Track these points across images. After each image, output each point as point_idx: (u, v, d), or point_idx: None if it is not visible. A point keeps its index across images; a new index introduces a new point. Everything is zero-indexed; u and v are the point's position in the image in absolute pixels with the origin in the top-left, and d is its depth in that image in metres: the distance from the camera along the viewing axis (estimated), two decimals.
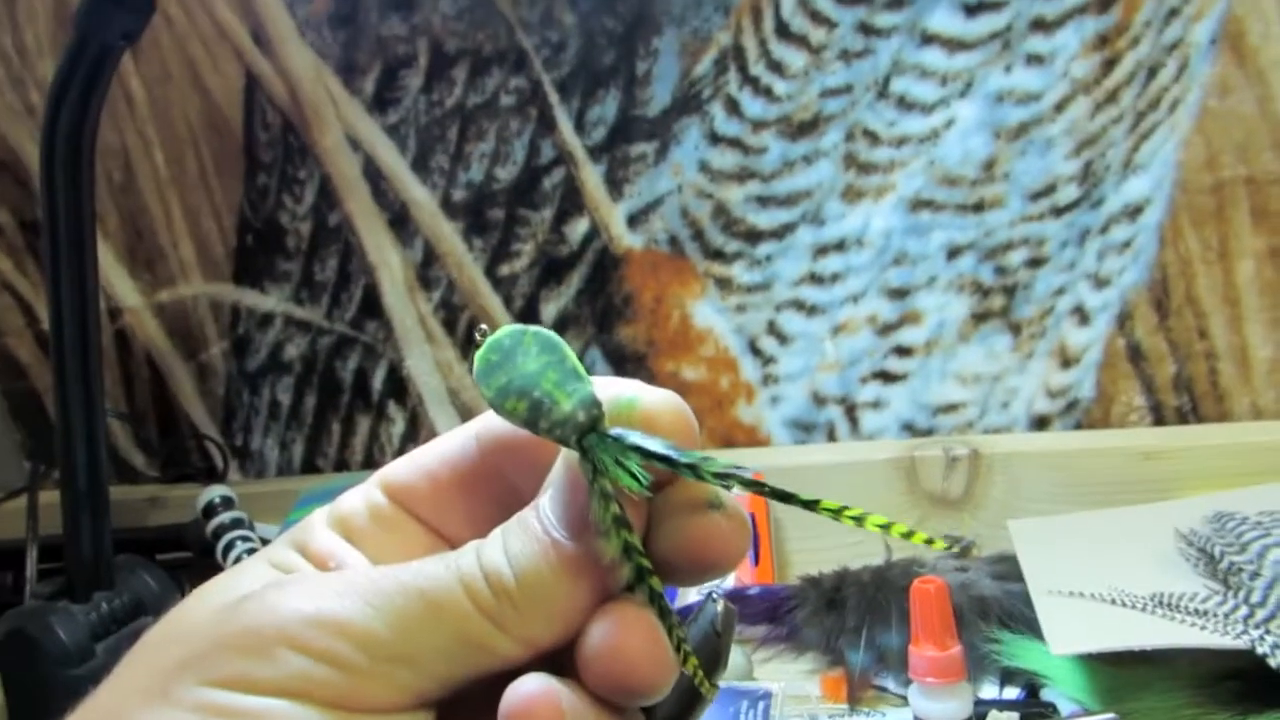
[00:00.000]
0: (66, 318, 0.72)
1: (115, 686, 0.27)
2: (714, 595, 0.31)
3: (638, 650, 0.25)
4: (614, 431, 0.26)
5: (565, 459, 0.27)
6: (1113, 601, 0.63)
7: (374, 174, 0.96)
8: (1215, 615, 0.60)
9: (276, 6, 0.94)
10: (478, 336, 0.27)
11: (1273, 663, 0.55)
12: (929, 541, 0.27)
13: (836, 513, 0.26)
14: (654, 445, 0.25)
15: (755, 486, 0.25)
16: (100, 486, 0.75)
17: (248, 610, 0.26)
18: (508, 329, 0.27)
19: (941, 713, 0.58)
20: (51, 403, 1.05)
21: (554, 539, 0.26)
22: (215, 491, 0.92)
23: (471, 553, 0.26)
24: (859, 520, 0.25)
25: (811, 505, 0.26)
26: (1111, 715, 0.60)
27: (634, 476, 0.25)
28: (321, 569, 0.29)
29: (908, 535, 0.26)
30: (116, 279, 1.02)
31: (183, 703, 0.24)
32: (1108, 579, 0.65)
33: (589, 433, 0.26)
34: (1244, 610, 0.60)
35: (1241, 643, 0.57)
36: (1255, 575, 0.62)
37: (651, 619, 0.25)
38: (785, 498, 0.26)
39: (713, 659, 0.30)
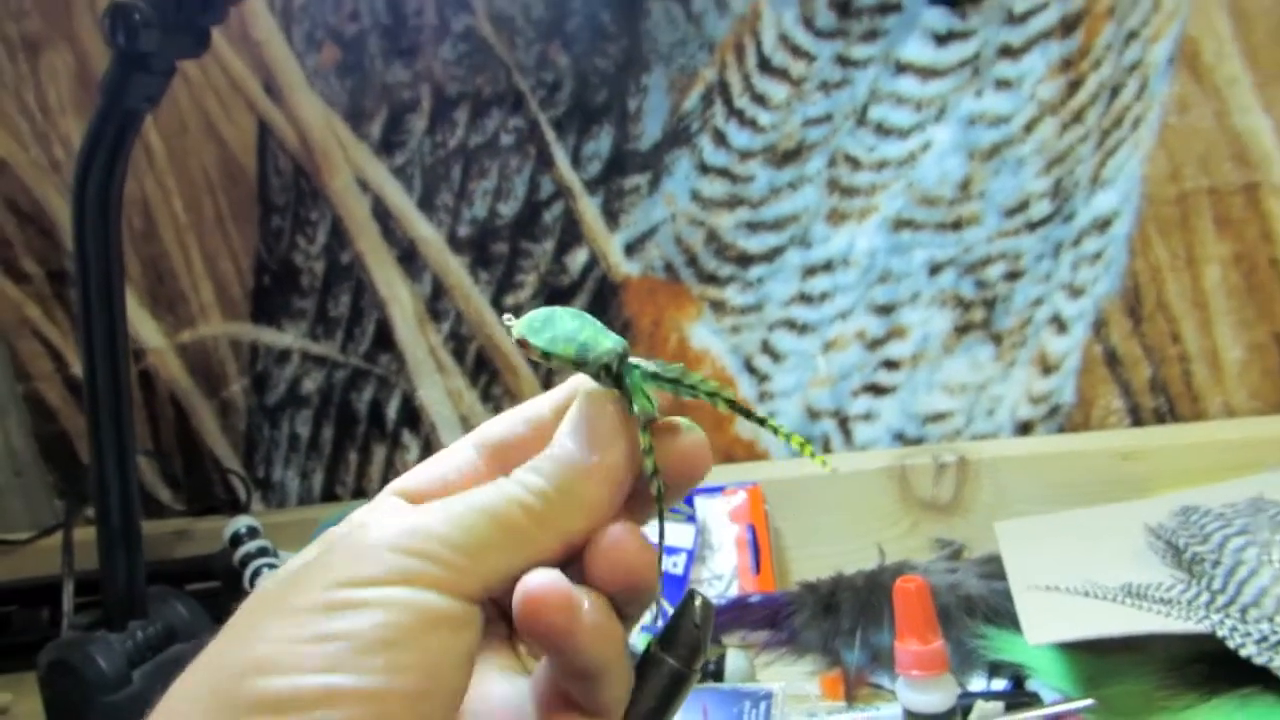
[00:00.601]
0: (98, 364, 0.76)
1: (232, 635, 0.30)
2: (694, 591, 0.35)
3: (635, 547, 0.32)
4: (635, 360, 0.34)
5: (584, 400, 0.34)
6: (1086, 594, 0.66)
7: (383, 213, 1.00)
8: (1179, 603, 0.63)
9: (286, 58, 0.98)
10: (507, 320, 0.35)
11: (1231, 644, 0.59)
12: (812, 456, 0.35)
13: (775, 429, 0.36)
14: (668, 370, 0.34)
15: (733, 406, 0.35)
16: (133, 521, 0.79)
17: (344, 542, 0.31)
18: (541, 309, 0.35)
19: (927, 703, 0.61)
20: (82, 444, 1.09)
21: (578, 457, 0.33)
22: (241, 522, 0.95)
23: (511, 478, 0.33)
24: (788, 437, 0.35)
25: (762, 421, 0.36)
26: (1090, 701, 0.63)
27: (649, 400, 0.33)
28: None
29: (802, 445, 0.35)
30: (140, 322, 1.06)
31: (313, 607, 0.29)
32: (1083, 573, 0.69)
33: (624, 360, 0.33)
34: (1205, 597, 0.63)
35: (1203, 627, 0.60)
36: (1216, 564, 0.65)
37: (643, 533, 0.33)
38: (747, 415, 0.36)
39: (694, 649, 0.34)
